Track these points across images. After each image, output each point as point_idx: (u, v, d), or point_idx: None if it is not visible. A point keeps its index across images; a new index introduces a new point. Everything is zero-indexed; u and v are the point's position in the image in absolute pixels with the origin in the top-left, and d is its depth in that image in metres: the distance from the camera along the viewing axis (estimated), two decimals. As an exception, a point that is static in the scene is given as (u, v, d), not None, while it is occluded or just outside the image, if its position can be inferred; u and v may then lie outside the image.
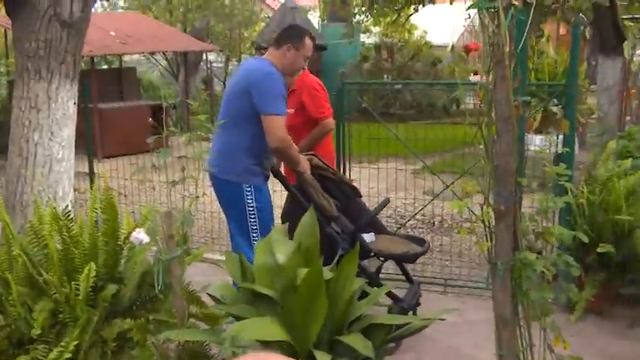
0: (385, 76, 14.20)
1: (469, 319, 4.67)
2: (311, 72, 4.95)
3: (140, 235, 2.84)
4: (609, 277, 4.62)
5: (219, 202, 4.08)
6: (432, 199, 5.85)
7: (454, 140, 8.96)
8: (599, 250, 4.33)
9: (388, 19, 14.41)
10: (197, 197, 2.84)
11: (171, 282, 3.05)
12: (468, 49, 17.13)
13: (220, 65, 15.97)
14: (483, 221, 2.52)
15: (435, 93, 14.71)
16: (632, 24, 13.58)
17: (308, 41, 4.04)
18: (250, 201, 3.80)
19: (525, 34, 2.63)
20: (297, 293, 2.66)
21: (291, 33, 4.06)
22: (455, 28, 17.86)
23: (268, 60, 3.97)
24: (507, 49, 2.33)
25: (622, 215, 4.49)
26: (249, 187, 3.85)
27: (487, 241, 2.58)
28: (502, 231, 2.49)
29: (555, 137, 7.54)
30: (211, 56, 14.77)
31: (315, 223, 3.08)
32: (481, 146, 8.12)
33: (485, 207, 2.52)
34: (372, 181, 6.85)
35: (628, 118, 10.34)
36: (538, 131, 8.32)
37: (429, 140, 6.98)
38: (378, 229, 4.05)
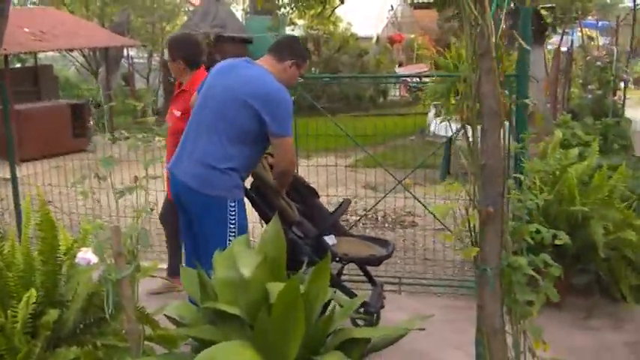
0: (312, 69, 14.01)
1: (432, 320, 4.53)
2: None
3: (87, 256, 2.53)
4: (564, 269, 4.57)
5: (188, 216, 3.68)
6: (385, 196, 5.70)
7: (385, 132, 8.88)
8: (556, 242, 4.25)
9: (313, 11, 14.27)
10: (151, 210, 2.55)
11: (122, 303, 2.76)
12: (392, 41, 17.24)
13: (142, 61, 15.39)
14: (468, 225, 2.35)
15: (362, 85, 14.65)
16: (547, 13, 13.90)
17: (307, 62, 3.79)
18: (233, 218, 3.48)
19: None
20: (271, 312, 2.42)
21: (297, 49, 3.69)
22: (379, 19, 17.92)
23: (266, 69, 3.59)
24: (493, 40, 2.15)
25: (576, 206, 4.46)
26: (234, 202, 3.53)
27: (464, 244, 2.42)
28: (490, 234, 2.32)
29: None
30: (132, 52, 14.20)
31: (280, 231, 2.84)
32: (412, 138, 8.03)
33: (470, 209, 2.35)
34: (307, 177, 6.66)
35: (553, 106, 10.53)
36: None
37: (359, 133, 6.81)
38: (338, 230, 3.85)
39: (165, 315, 2.85)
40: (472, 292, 5.10)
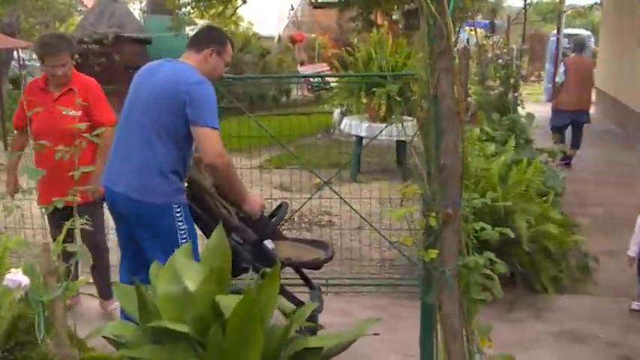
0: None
1: (359, 319, 4.52)
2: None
3: (17, 277, 2.31)
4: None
5: (128, 230, 3.44)
6: (311, 197, 5.64)
7: (290, 132, 8.81)
8: (482, 237, 4.32)
9: (214, 10, 13.99)
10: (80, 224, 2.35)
11: (53, 325, 2.54)
12: (293, 40, 17.22)
13: (35, 64, 14.55)
14: (426, 227, 2.31)
15: (265, 85, 14.53)
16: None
17: (229, 46, 3.58)
18: (181, 222, 3.26)
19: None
20: (226, 328, 2.29)
21: (212, 36, 3.56)
22: (280, 19, 17.85)
23: (189, 64, 3.43)
24: (453, 39, 2.12)
25: (498, 201, 4.56)
26: (179, 206, 3.31)
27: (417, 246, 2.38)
28: (449, 236, 2.30)
29: (400, 126, 7.68)
30: (23, 54, 13.43)
31: (224, 239, 2.70)
32: (319, 137, 8.02)
33: (427, 211, 2.31)
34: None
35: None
36: (384, 120, 8.41)
37: (264, 133, 6.70)
38: (275, 234, 3.73)
39: (103, 337, 2.66)
40: (395, 290, 5.14)
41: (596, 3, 24.03)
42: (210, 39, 3.51)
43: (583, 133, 9.57)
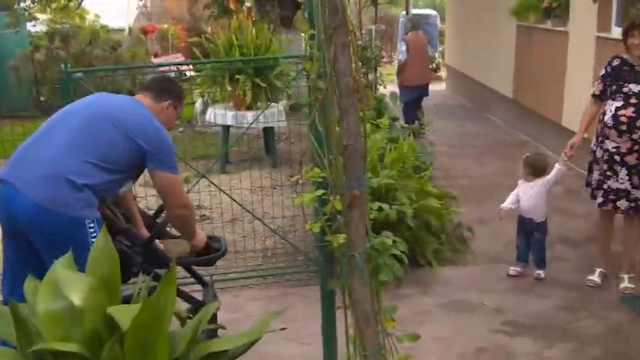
0: (62, 65, 12.89)
1: (251, 313, 4.38)
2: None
3: None
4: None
5: (22, 243, 3.06)
6: (190, 189, 5.35)
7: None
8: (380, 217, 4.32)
9: (56, 4, 13.15)
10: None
11: None
12: (145, 31, 16.54)
13: None
14: (335, 211, 2.20)
15: (119, 78, 13.86)
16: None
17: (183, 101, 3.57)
18: (94, 239, 2.91)
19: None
20: (125, 341, 2.07)
21: (172, 89, 3.50)
22: (129, 10, 17.08)
23: (148, 109, 3.28)
24: (349, 12, 2.02)
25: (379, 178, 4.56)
26: (93, 223, 2.96)
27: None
28: (356, 218, 2.21)
29: (266, 112, 7.57)
30: None
31: (110, 244, 2.45)
32: (181, 130, 7.74)
33: (332, 195, 2.20)
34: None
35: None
36: (249, 107, 8.24)
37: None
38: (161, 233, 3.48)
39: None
40: (281, 280, 5.05)
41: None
42: (169, 91, 3.46)
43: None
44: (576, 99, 7.83)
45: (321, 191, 2.22)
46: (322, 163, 2.20)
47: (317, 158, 2.19)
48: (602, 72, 4.53)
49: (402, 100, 9.74)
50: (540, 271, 4.88)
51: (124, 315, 2.12)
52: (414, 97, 9.54)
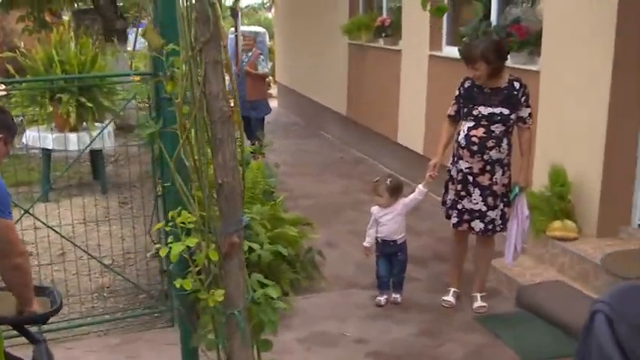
0: None
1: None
2: None
3: None
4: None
5: None
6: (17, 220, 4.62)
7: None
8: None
9: None
10: None
11: None
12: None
13: None
14: (208, 262, 1.83)
15: None
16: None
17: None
18: None
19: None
20: None
21: (5, 122, 3.01)
22: None
23: None
24: (221, 23, 1.67)
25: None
26: None
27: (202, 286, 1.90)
28: (234, 269, 1.85)
29: (93, 134, 6.92)
30: None
31: None
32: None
33: (205, 243, 1.83)
34: None
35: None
36: (74, 129, 7.51)
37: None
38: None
39: None
40: (123, 323, 4.51)
41: (264, 3, 25.15)
42: (1, 125, 2.99)
43: None
44: (411, 116, 7.98)
45: (193, 240, 1.83)
46: (190, 204, 1.82)
47: (183, 199, 1.81)
48: (457, 93, 4.52)
49: (259, 116, 9.52)
50: (398, 295, 4.76)
51: None
52: (245, 114, 9.28)
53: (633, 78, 4.68)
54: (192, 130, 1.78)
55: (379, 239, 4.71)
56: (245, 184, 1.83)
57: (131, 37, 16.80)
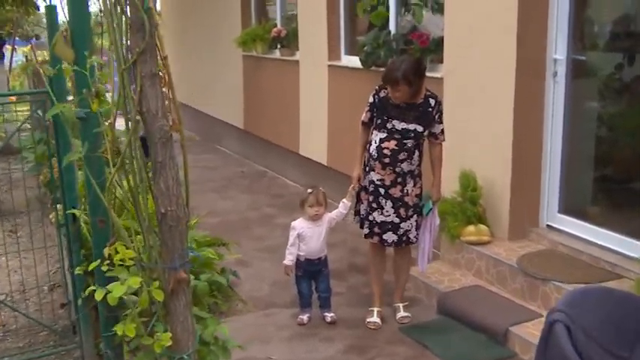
0: None
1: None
2: None
3: None
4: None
5: None
6: None
7: None
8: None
9: None
10: None
11: None
12: None
13: None
14: (154, 302, 1.61)
15: None
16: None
17: None
18: None
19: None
20: None
21: None
22: None
23: None
24: (159, 32, 1.47)
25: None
26: None
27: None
28: (181, 308, 1.64)
29: None
30: None
31: None
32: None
33: (144, 281, 1.61)
34: None
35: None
36: None
37: None
38: None
39: None
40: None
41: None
42: None
43: None
44: (313, 128, 7.89)
45: (136, 280, 1.60)
46: (126, 238, 1.60)
47: (120, 233, 1.58)
48: (371, 100, 4.44)
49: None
50: (331, 314, 4.60)
51: None
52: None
53: (535, 83, 4.80)
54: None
55: (301, 257, 4.54)
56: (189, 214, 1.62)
57: (7, 55, 15.91)
